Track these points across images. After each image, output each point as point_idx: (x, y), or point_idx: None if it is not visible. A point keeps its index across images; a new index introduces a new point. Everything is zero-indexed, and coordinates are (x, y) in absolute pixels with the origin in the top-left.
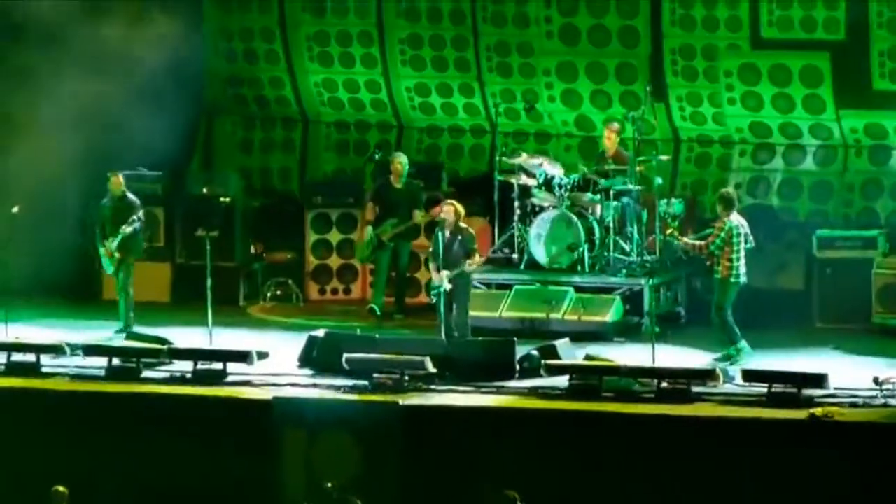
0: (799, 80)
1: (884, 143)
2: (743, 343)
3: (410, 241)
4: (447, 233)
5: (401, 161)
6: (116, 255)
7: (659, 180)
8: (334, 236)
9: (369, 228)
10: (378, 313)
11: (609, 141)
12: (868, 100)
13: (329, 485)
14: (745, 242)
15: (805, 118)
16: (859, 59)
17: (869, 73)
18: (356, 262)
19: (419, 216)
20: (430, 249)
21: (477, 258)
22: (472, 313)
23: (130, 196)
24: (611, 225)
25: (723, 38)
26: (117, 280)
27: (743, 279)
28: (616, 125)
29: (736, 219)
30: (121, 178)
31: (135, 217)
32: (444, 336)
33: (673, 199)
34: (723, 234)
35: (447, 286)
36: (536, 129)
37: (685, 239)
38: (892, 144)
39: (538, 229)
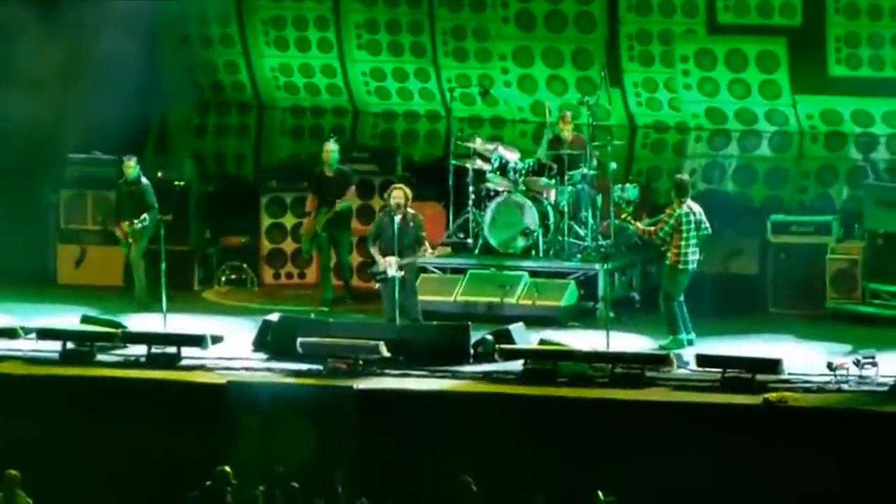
0: (755, 66)
1: (839, 129)
2: (682, 336)
3: (347, 230)
4: (398, 218)
5: (329, 149)
6: (129, 239)
7: (613, 165)
8: (289, 220)
9: (309, 220)
10: (328, 308)
11: (565, 131)
12: (824, 85)
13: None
14: (699, 229)
15: (761, 104)
16: (815, 45)
17: (825, 59)
18: None
19: (338, 204)
20: (372, 231)
21: (428, 245)
22: (426, 297)
23: (144, 181)
24: (565, 210)
25: (679, 24)
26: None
27: (692, 266)
28: (568, 114)
29: (688, 206)
30: (132, 162)
31: (145, 215)
32: (396, 320)
33: (627, 185)
34: (672, 221)
35: (398, 273)
36: (492, 115)
37: (638, 224)
38: (847, 131)
39: (492, 214)
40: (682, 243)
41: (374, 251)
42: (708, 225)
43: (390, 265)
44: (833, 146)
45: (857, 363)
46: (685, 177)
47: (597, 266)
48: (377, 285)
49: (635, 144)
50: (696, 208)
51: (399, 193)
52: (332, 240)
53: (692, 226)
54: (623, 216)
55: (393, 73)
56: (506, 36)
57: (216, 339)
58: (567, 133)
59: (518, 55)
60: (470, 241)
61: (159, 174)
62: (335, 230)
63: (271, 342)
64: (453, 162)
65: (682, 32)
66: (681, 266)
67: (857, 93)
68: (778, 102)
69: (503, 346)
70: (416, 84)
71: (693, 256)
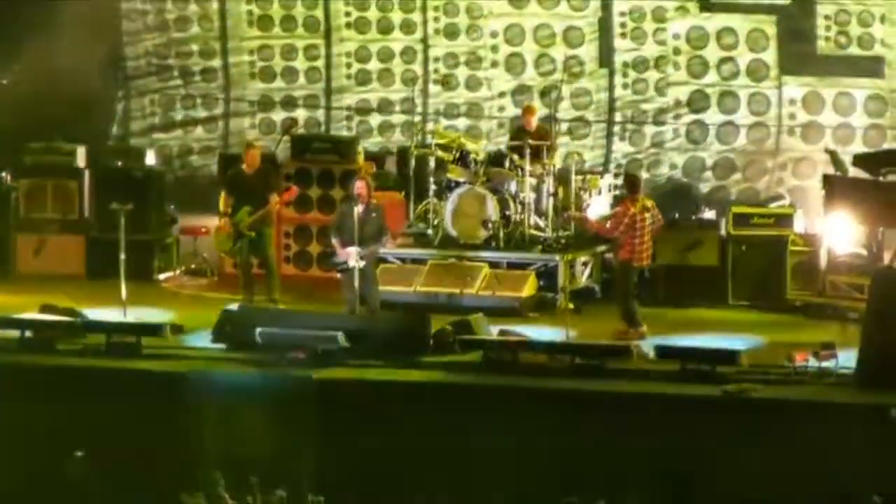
0: (745, 44)
1: (817, 120)
2: (642, 329)
3: (271, 227)
4: (360, 208)
5: (251, 150)
6: None
7: (575, 157)
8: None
9: (227, 220)
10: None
11: (529, 125)
12: (811, 65)
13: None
14: (652, 222)
15: (747, 86)
16: (805, 23)
17: (814, 37)
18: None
19: (274, 200)
20: (335, 222)
21: (390, 235)
22: (386, 288)
23: None
24: (526, 200)
25: (672, 0)
26: None
27: (645, 262)
28: (533, 108)
29: (640, 202)
30: None
31: None
32: (356, 311)
33: (588, 176)
34: (626, 220)
35: (360, 263)
36: (468, 104)
37: (592, 221)
38: (825, 124)
39: (453, 204)
40: (636, 241)
41: (335, 242)
42: (661, 217)
43: (351, 255)
44: (811, 140)
45: (816, 355)
46: (635, 171)
47: (557, 257)
48: (339, 275)
49: (613, 136)
50: (649, 203)
51: (361, 184)
52: (257, 239)
53: (646, 222)
54: (577, 213)
55: (378, 54)
56: (498, 13)
57: (176, 329)
58: (529, 125)
59: (509, 32)
60: (430, 231)
61: (120, 163)
62: (261, 229)
63: (231, 332)
64: (415, 152)
65: (675, 9)
66: (634, 263)
67: (844, 73)
68: (764, 84)
69: (463, 336)
70: (399, 66)
71: (647, 253)
